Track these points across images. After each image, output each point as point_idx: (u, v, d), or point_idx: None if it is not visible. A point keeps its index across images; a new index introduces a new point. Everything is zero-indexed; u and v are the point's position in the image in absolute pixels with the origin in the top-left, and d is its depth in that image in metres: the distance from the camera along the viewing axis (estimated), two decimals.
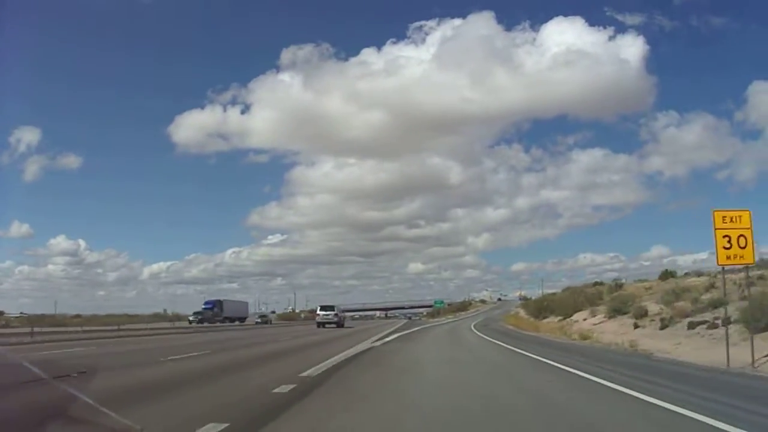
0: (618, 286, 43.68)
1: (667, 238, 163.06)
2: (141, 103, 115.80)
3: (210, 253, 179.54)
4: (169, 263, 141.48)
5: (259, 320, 67.49)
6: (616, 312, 29.19)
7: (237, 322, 61.91)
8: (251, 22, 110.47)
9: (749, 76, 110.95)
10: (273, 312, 73.04)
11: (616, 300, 31.97)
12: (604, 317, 30.22)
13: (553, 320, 42.70)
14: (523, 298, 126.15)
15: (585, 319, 34.22)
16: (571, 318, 37.34)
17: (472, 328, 45.82)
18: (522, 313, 79.16)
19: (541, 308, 48.00)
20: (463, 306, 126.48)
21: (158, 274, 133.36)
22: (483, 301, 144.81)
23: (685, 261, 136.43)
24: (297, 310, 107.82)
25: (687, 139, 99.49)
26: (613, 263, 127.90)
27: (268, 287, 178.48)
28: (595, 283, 50.44)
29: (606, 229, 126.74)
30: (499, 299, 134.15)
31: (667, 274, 45.34)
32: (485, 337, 30.20)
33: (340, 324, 47.57)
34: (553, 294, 60.06)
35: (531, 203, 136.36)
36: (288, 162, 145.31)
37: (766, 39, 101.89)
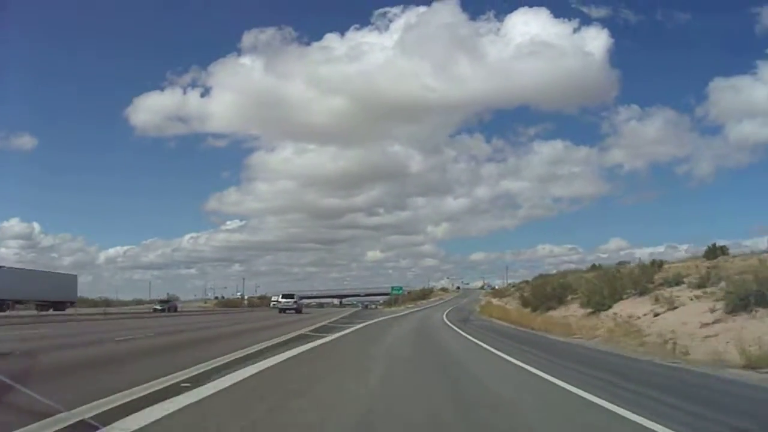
0: (658, 265, 29.83)
1: (625, 231, 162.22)
2: (99, 84, 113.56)
3: (168, 238, 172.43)
4: (126, 248, 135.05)
5: (158, 307, 51.26)
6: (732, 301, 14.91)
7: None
8: (213, 4, 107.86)
9: (710, 73, 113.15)
10: (177, 298, 55.86)
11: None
12: (709, 309, 15.83)
13: (565, 313, 28.51)
14: (490, 287, 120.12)
15: (644, 314, 19.85)
16: (611, 310, 23.03)
17: (447, 321, 31.68)
18: (496, 301, 67.15)
19: (543, 296, 33.48)
20: (424, 294, 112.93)
21: (115, 258, 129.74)
22: (444, 290, 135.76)
23: (642, 254, 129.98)
24: (245, 297, 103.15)
25: (647, 133, 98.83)
26: (570, 255, 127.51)
27: (226, 273, 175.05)
28: (619, 263, 36.55)
29: (565, 220, 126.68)
30: (458, 288, 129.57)
31: (714, 252, 31.92)
32: (482, 344, 15.91)
33: (298, 310, 48.84)
34: (543, 278, 45.81)
35: (491, 193, 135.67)
36: (248, 147, 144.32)
37: (728, 36, 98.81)
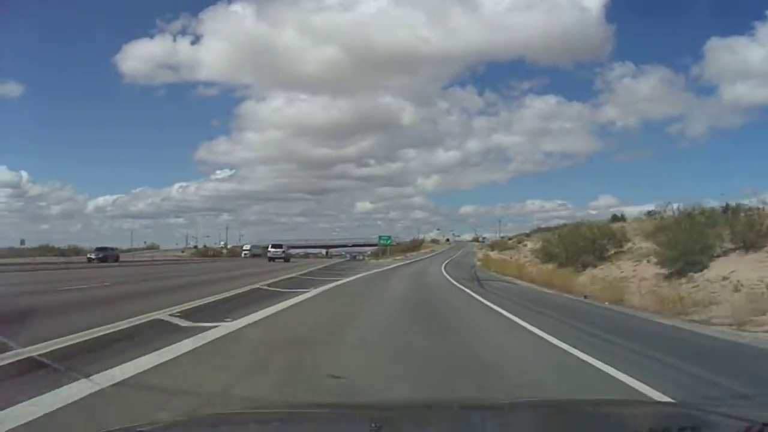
0: (746, 212, 21.46)
1: (615, 188, 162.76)
2: (86, 31, 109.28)
3: (156, 187, 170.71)
4: (114, 197, 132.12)
5: (92, 257, 42.57)
6: None
7: None
8: None
9: (707, 32, 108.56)
10: (113, 249, 46.84)
11: None
12: None
13: (616, 272, 20.60)
14: (484, 239, 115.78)
15: None
16: (709, 271, 15.02)
17: (451, 279, 24.28)
18: (494, 255, 59.81)
19: (577, 249, 25.36)
20: (414, 245, 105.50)
21: (104, 207, 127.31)
22: (435, 241, 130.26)
23: (631, 212, 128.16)
24: (227, 246, 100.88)
25: (641, 91, 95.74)
26: (560, 210, 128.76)
27: (215, 223, 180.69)
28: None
29: (555, 176, 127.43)
30: (449, 239, 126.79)
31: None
32: (548, 337, 6.98)
33: (286, 259, 52.18)
34: (558, 228, 37.87)
35: (482, 147, 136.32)
36: (238, 96, 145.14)
37: None
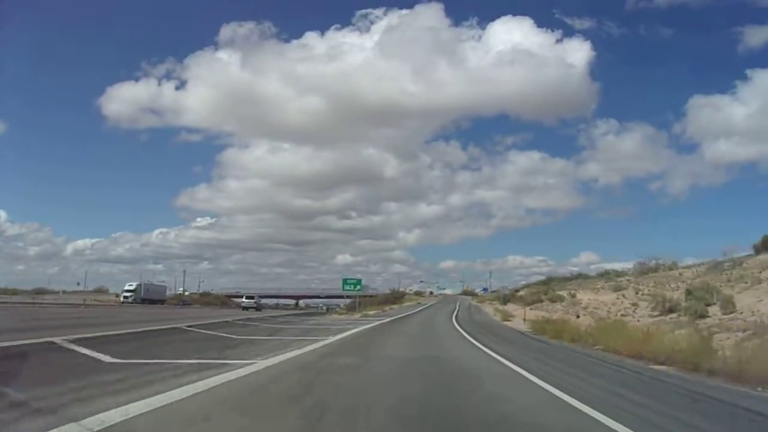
0: None
1: (596, 244, 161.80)
2: (72, 70, 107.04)
3: (137, 232, 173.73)
4: (94, 240, 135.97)
5: None
6: None
7: None
8: None
9: (690, 90, 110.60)
10: None
11: None
12: None
13: None
14: (485, 289, 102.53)
15: None
16: None
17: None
18: (522, 311, 41.03)
19: None
20: (394, 296, 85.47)
21: (83, 250, 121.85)
22: (419, 293, 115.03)
23: (612, 269, 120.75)
24: (186, 293, 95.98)
25: (624, 148, 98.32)
26: (541, 266, 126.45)
27: (195, 270, 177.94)
28: None
29: (537, 232, 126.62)
30: (432, 293, 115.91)
31: None
32: None
33: (258, 308, 57.09)
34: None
35: (465, 201, 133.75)
36: (221, 143, 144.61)
37: (710, 54, 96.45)
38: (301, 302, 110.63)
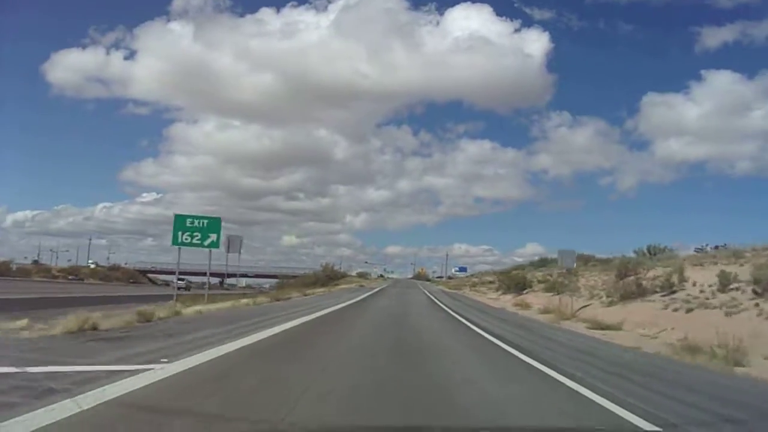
0: None
1: (542, 236, 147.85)
2: (14, 35, 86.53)
3: (80, 206, 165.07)
4: (35, 212, 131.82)
5: None
6: None
7: None
8: None
9: (645, 87, 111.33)
10: None
11: None
12: None
13: None
14: (462, 269, 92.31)
15: None
16: None
17: None
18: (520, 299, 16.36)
19: None
20: (328, 277, 58.68)
21: (23, 222, 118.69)
22: (363, 275, 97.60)
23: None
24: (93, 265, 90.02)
25: (576, 141, 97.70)
26: (486, 256, 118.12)
27: (138, 247, 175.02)
28: None
29: (484, 221, 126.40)
30: (383, 276, 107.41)
31: None
32: None
33: (187, 288, 53.95)
34: None
35: (413, 187, 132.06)
36: (169, 117, 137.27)
37: (667, 52, 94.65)
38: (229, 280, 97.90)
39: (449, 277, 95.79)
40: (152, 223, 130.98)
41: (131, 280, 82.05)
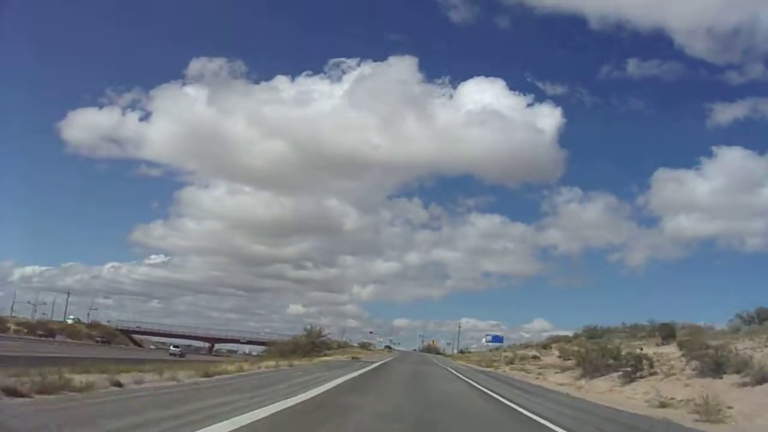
0: None
1: (549, 312, 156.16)
2: (33, 91, 77.41)
3: (88, 264, 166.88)
4: (43, 268, 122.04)
5: None
6: None
7: None
8: (165, 25, 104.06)
9: (656, 163, 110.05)
10: None
11: None
12: None
13: None
14: (496, 338, 72.03)
15: None
16: None
17: None
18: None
19: None
20: (314, 343, 43.49)
21: (30, 277, 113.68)
22: (365, 346, 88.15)
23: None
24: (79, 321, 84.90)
25: (586, 217, 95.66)
26: (493, 330, 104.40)
27: (144, 309, 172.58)
28: None
29: (492, 295, 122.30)
30: (389, 347, 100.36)
31: None
32: None
33: (182, 355, 54.68)
34: None
35: (422, 261, 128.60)
36: (180, 180, 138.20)
37: (678, 128, 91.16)
38: (217, 346, 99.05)
39: (460, 351, 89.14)
40: (159, 285, 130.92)
41: (102, 340, 72.99)
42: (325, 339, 46.87)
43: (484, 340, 77.43)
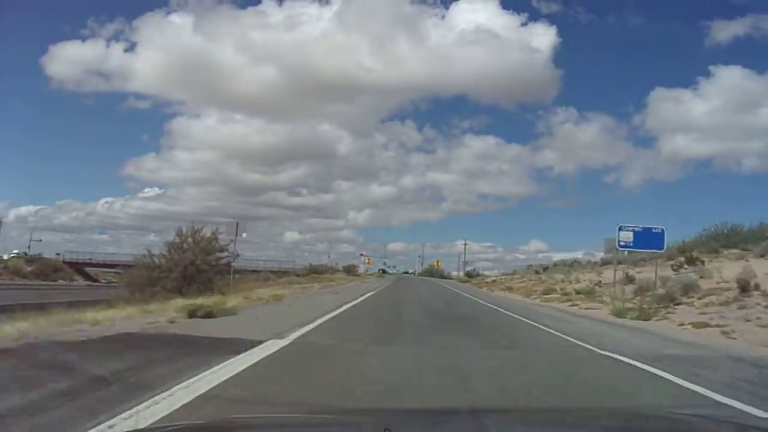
0: None
1: (546, 234, 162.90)
2: (13, 27, 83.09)
3: (82, 200, 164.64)
4: (37, 207, 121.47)
5: None
6: None
7: None
8: None
9: (653, 82, 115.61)
10: None
11: None
12: None
13: None
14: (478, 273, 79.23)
15: None
16: None
17: None
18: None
19: None
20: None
21: (25, 217, 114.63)
22: (351, 270, 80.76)
23: (560, 259, 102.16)
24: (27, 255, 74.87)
25: (582, 138, 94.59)
26: (488, 253, 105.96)
27: (140, 242, 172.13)
28: None
29: (488, 217, 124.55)
30: (382, 270, 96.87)
31: None
32: None
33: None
34: None
35: (417, 184, 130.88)
36: (170, 111, 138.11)
37: (676, 46, 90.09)
38: None
39: (467, 274, 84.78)
40: (154, 218, 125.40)
41: (42, 274, 60.46)
42: (228, 255, 25.04)
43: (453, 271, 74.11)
